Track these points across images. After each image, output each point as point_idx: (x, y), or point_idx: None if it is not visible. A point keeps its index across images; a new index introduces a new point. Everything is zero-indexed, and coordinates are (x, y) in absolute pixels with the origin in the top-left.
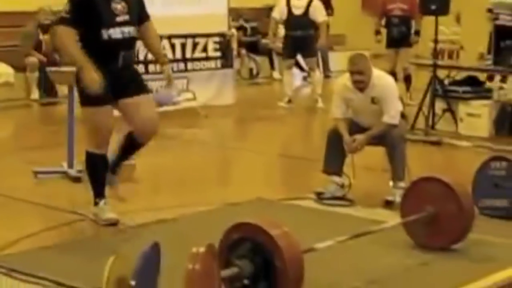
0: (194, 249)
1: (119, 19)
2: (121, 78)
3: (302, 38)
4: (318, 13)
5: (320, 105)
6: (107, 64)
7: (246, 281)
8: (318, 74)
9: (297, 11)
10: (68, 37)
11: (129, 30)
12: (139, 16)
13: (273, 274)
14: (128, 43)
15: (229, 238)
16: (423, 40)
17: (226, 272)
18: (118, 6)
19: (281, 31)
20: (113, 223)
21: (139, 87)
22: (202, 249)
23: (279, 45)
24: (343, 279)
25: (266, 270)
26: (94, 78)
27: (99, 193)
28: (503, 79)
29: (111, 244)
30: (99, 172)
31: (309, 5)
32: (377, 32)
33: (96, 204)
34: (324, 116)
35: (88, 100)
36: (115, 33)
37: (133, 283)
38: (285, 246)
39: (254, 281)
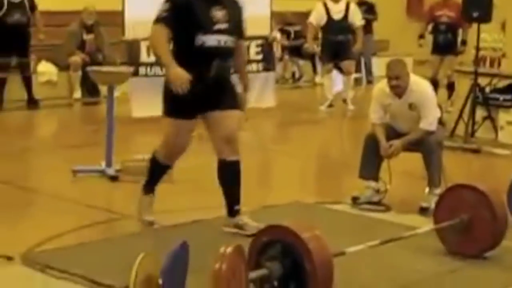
0: (221, 249)
1: (216, 26)
2: (213, 88)
3: (342, 43)
4: (356, 17)
5: (351, 107)
6: (199, 72)
7: (275, 283)
8: (352, 78)
9: (336, 15)
10: (160, 36)
11: (225, 40)
12: (238, 29)
13: (303, 276)
14: (223, 52)
15: (260, 240)
16: (468, 48)
17: (255, 273)
18: (218, 14)
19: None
20: (150, 225)
21: (231, 102)
22: (229, 249)
23: (316, 47)
24: (372, 284)
25: (295, 272)
26: (179, 74)
27: (150, 189)
28: None
29: (144, 243)
30: (158, 177)
31: (347, 9)
32: (421, 36)
33: (145, 193)
34: (364, 121)
35: (171, 110)
36: (210, 40)
37: (160, 281)
38: (315, 248)
39: (284, 283)
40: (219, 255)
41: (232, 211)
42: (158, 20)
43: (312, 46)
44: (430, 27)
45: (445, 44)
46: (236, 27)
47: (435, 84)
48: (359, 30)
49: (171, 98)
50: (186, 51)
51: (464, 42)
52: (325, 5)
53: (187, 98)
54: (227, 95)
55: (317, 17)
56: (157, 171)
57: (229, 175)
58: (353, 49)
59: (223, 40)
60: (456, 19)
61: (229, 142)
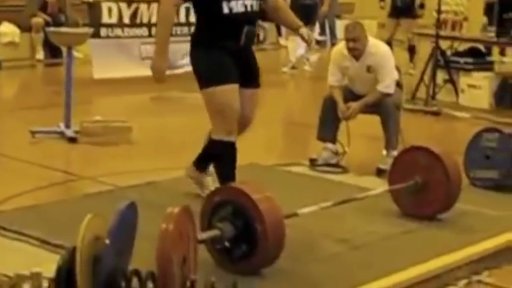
0: (168, 209)
1: None
2: (241, 60)
3: (311, 6)
4: None
5: (307, 68)
6: (228, 41)
7: (227, 244)
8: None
9: None
10: (169, 4)
11: (251, 3)
12: None
13: (254, 237)
14: (251, 17)
15: (212, 200)
16: (428, 10)
17: (206, 234)
18: None
19: None
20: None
21: (256, 80)
22: (176, 210)
23: None
24: (324, 244)
25: (247, 233)
26: (161, 68)
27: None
28: (502, 52)
29: (100, 203)
30: (231, 162)
31: None
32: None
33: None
34: (325, 83)
35: (212, 78)
36: (237, 6)
37: (107, 241)
38: (266, 209)
39: (235, 243)
40: (166, 216)
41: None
42: None
43: None
44: None
45: (403, 7)
46: None
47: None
48: None
49: (213, 64)
50: (213, 20)
51: (422, 6)
52: None
53: (228, 61)
54: (252, 70)
55: None
56: (227, 155)
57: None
58: (319, 11)
59: (249, 4)
60: None
61: (245, 125)
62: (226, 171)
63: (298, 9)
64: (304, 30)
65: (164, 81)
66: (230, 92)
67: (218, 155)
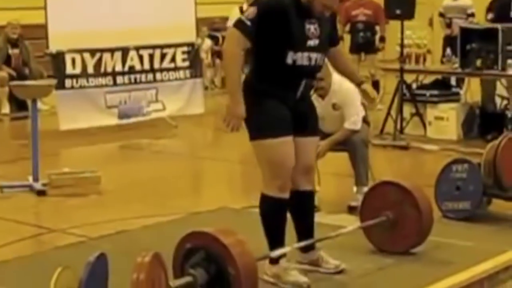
0: (139, 258)
1: (310, 42)
2: (298, 110)
3: None
4: None
5: None
6: (285, 92)
7: None
8: None
9: None
10: (238, 53)
11: (316, 57)
12: (331, 39)
13: (227, 282)
14: (313, 71)
15: (183, 247)
16: (391, 45)
17: (179, 281)
18: (312, 28)
19: None
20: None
21: (314, 128)
22: (147, 258)
23: None
24: None
25: (220, 279)
26: (239, 112)
27: (278, 249)
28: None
29: (70, 256)
30: (282, 222)
31: None
32: (340, 38)
33: (274, 262)
34: None
35: (266, 130)
36: (302, 58)
37: None
38: (238, 254)
39: None
40: (136, 265)
41: (308, 246)
42: (240, 27)
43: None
44: (347, 27)
45: (364, 42)
46: (326, 43)
47: None
48: None
49: (268, 115)
50: (274, 69)
51: (382, 39)
52: (241, 9)
53: (284, 112)
54: (309, 117)
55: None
56: (280, 218)
57: (304, 207)
58: None
59: (314, 58)
60: (373, 17)
61: (307, 172)
62: (275, 231)
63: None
64: (367, 86)
65: (239, 129)
66: (285, 145)
67: (267, 213)
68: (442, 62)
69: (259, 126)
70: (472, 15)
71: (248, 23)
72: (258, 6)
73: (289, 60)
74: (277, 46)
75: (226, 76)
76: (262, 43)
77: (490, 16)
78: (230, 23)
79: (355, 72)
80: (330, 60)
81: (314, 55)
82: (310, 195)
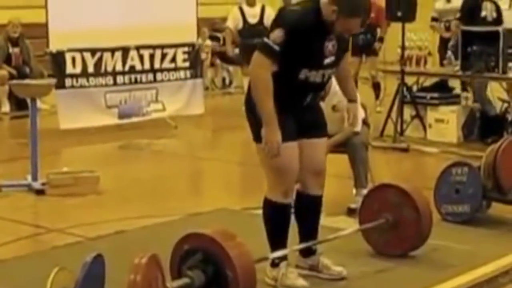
0: (136, 259)
1: (326, 60)
2: (303, 116)
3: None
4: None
5: None
6: (292, 102)
7: None
8: None
9: (252, 19)
10: (267, 78)
11: (330, 73)
12: (343, 55)
13: (225, 284)
14: (322, 85)
15: (181, 248)
16: (392, 47)
17: (176, 283)
18: (330, 45)
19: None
20: None
21: (323, 130)
22: (144, 259)
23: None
24: None
25: (217, 281)
26: (275, 137)
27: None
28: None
29: (67, 256)
30: (284, 227)
31: (262, 13)
32: None
33: (275, 265)
34: None
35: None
36: (316, 76)
37: None
38: (236, 256)
39: None
40: (133, 266)
41: (308, 251)
42: (268, 52)
43: (232, 50)
44: None
45: (364, 45)
46: (340, 56)
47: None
48: None
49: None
50: (284, 84)
51: (381, 39)
52: (240, 9)
53: (288, 117)
54: (317, 120)
55: (233, 22)
56: (283, 223)
57: (311, 211)
58: None
59: (328, 73)
60: (375, 19)
61: (317, 175)
62: (278, 235)
63: (245, 49)
64: (351, 106)
65: (279, 154)
66: (289, 150)
67: (271, 217)
68: (442, 65)
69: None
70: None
71: (276, 47)
72: (285, 29)
73: (301, 76)
74: (293, 64)
75: (259, 104)
76: (281, 62)
77: (458, 15)
78: (229, 23)
79: (352, 90)
80: (335, 75)
81: (328, 72)
82: (319, 199)
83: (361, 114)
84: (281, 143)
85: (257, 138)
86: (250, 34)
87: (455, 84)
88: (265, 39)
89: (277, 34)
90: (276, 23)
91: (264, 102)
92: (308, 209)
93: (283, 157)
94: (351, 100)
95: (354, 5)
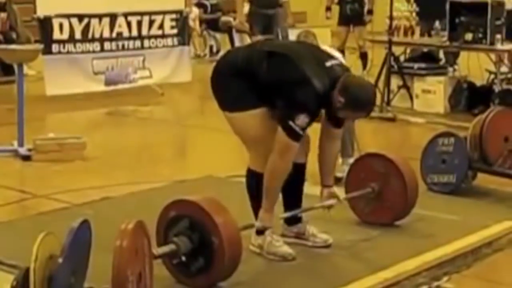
0: (122, 225)
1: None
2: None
3: (272, 16)
4: None
5: None
6: None
7: (183, 258)
8: None
9: None
10: (291, 163)
11: None
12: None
13: (210, 251)
14: None
15: (167, 215)
16: (380, 17)
17: (162, 249)
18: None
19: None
20: (290, 260)
21: None
22: (130, 225)
23: (246, 24)
24: None
25: (203, 247)
26: (270, 226)
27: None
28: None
29: (54, 221)
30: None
31: None
32: (328, 9)
33: (260, 233)
34: None
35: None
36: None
37: (60, 260)
38: (221, 223)
39: (192, 257)
40: (119, 232)
41: (293, 219)
42: (296, 138)
43: (243, 18)
44: None
45: (352, 14)
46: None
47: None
48: (287, 3)
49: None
50: None
51: (370, 12)
52: None
53: None
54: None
55: None
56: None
57: (295, 179)
58: (284, 24)
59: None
60: None
61: (301, 144)
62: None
63: (257, 19)
64: (326, 194)
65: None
66: (259, 118)
67: (254, 187)
68: (429, 35)
69: (233, 98)
70: None
71: (301, 132)
72: (309, 113)
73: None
74: None
75: (269, 191)
76: None
77: None
78: None
79: (330, 173)
80: (322, 135)
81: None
82: (303, 167)
83: None
84: (255, 111)
85: (231, 106)
86: (263, 3)
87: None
88: (291, 123)
89: (303, 120)
90: (300, 98)
91: (276, 190)
92: (292, 177)
93: (258, 127)
94: (326, 185)
95: (361, 102)
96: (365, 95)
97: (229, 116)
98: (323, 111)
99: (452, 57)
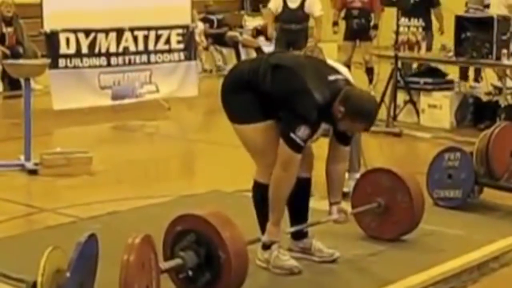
0: (129, 239)
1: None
2: None
3: (296, 32)
4: (315, 8)
5: None
6: None
7: (190, 272)
8: None
9: (292, 4)
10: (295, 176)
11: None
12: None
13: (217, 265)
14: None
15: (174, 229)
16: (386, 31)
17: (169, 263)
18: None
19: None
20: (296, 273)
21: None
22: (137, 240)
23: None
24: None
25: (210, 262)
26: (277, 241)
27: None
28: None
29: (60, 236)
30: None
31: None
32: (335, 23)
33: (266, 247)
34: None
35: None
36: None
37: (67, 274)
38: (228, 237)
39: (198, 272)
40: (127, 246)
41: (300, 234)
42: (296, 149)
43: (272, 31)
44: (343, 13)
45: (359, 29)
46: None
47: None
48: (318, 20)
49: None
50: None
51: (375, 27)
52: None
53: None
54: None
55: (274, 4)
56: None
57: (300, 194)
58: (311, 39)
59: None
60: (369, 4)
61: (305, 158)
62: (268, 218)
63: (282, 34)
64: (334, 211)
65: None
66: (269, 131)
67: (260, 200)
68: None
69: (240, 112)
70: (488, 6)
71: (302, 144)
72: (309, 124)
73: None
74: None
75: (275, 203)
76: None
77: None
78: (271, 5)
79: (339, 189)
80: (329, 153)
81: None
82: (307, 181)
83: None
84: (262, 124)
85: (239, 119)
86: (289, 19)
87: (451, 70)
88: (292, 134)
89: (304, 132)
90: (300, 110)
91: (282, 202)
92: (297, 192)
93: (265, 139)
94: (334, 202)
95: (361, 112)
96: (366, 104)
97: (238, 128)
98: (331, 130)
99: (465, 72)
